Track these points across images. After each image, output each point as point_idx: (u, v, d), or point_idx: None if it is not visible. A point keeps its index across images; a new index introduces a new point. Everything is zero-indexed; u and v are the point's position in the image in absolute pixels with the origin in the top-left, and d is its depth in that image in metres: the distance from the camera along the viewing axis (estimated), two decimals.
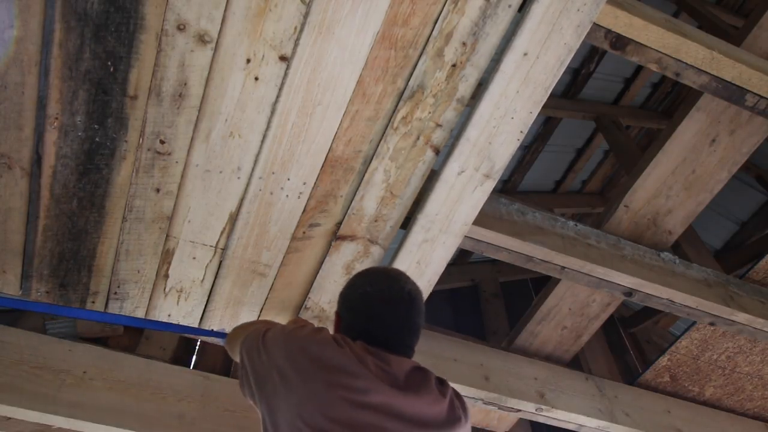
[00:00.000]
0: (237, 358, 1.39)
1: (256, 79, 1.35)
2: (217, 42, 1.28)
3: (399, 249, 1.72)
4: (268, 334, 1.30)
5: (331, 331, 1.40)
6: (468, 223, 1.68)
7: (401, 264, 1.74)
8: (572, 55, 1.42)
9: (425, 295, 1.80)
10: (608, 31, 1.57)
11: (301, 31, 1.29)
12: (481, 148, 1.53)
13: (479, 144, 1.52)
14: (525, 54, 1.39)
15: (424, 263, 1.76)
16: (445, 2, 1.31)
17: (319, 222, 1.65)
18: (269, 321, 1.64)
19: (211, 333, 1.86)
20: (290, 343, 1.23)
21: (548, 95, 1.47)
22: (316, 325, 1.41)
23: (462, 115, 1.52)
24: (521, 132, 1.52)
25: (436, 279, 1.82)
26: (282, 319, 1.89)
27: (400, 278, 1.34)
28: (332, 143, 1.49)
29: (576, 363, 2.87)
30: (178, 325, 1.81)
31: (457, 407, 1.24)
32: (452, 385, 1.63)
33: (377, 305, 1.29)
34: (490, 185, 1.61)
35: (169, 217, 1.55)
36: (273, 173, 1.52)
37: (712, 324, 2.26)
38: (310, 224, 1.65)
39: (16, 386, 1.71)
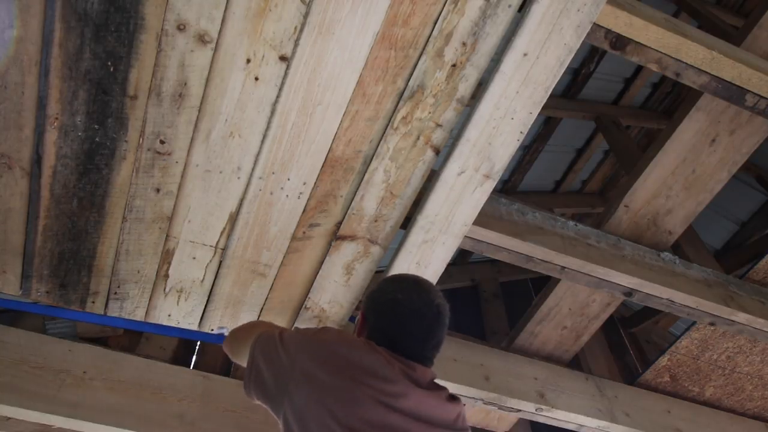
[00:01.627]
0: (243, 361, 1.38)
1: (256, 79, 1.35)
2: (217, 42, 1.28)
3: (399, 249, 1.72)
4: (285, 334, 1.29)
5: (354, 329, 1.40)
6: (468, 224, 1.68)
7: (401, 264, 1.74)
8: (572, 56, 1.42)
9: None
10: (608, 31, 1.56)
11: (301, 31, 1.29)
12: (481, 148, 1.53)
13: (479, 144, 1.52)
14: (525, 54, 1.39)
15: (423, 264, 1.76)
16: (445, 2, 1.31)
17: (319, 222, 1.65)
18: (271, 323, 1.63)
19: (211, 336, 1.86)
20: (318, 345, 1.22)
21: (548, 96, 1.47)
22: (316, 327, 1.40)
23: (462, 116, 1.52)
24: (521, 132, 1.52)
25: (436, 279, 1.82)
26: (282, 319, 1.89)
27: (431, 291, 1.34)
28: (332, 143, 1.49)
29: (576, 363, 2.87)
30: (178, 329, 1.81)
31: (466, 419, 1.28)
32: (452, 385, 1.63)
33: (405, 314, 1.29)
34: (490, 186, 1.61)
35: (169, 217, 1.55)
36: (273, 173, 1.52)
37: (712, 324, 2.26)
38: (310, 224, 1.65)
39: (16, 386, 1.71)
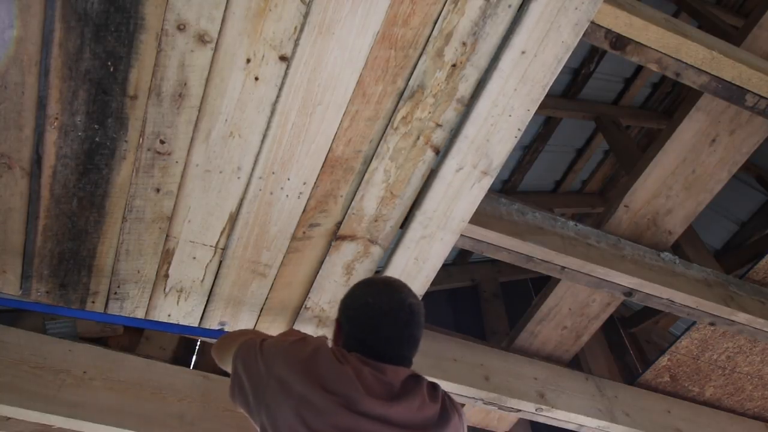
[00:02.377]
0: (228, 367, 1.40)
1: (256, 79, 1.35)
2: (217, 42, 1.28)
3: (397, 245, 1.72)
4: (265, 344, 1.30)
5: (331, 336, 1.41)
6: (465, 220, 1.68)
7: (399, 260, 1.75)
8: (570, 54, 1.42)
9: (422, 291, 1.81)
10: (608, 31, 1.57)
11: (301, 31, 1.29)
12: (479, 145, 1.53)
13: (477, 141, 1.53)
14: (523, 52, 1.40)
15: (421, 259, 1.76)
16: (445, 2, 1.31)
17: (319, 222, 1.65)
18: (257, 331, 1.64)
19: (211, 332, 1.86)
20: (293, 355, 1.24)
21: (546, 93, 1.47)
22: (316, 327, 1.41)
23: (461, 115, 1.52)
24: (519, 129, 1.52)
25: (433, 275, 1.82)
26: (282, 319, 1.89)
27: (402, 291, 1.34)
28: (332, 143, 1.49)
29: (576, 363, 2.87)
30: (178, 325, 1.81)
31: (449, 408, 1.27)
32: (452, 385, 1.63)
33: (377, 317, 1.29)
34: (487, 182, 1.61)
35: (169, 217, 1.55)
36: (273, 173, 1.52)
37: (712, 324, 2.26)
38: (310, 224, 1.65)
39: (16, 386, 1.71)
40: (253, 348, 1.30)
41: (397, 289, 1.34)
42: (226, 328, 1.85)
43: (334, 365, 1.20)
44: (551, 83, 1.46)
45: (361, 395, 1.16)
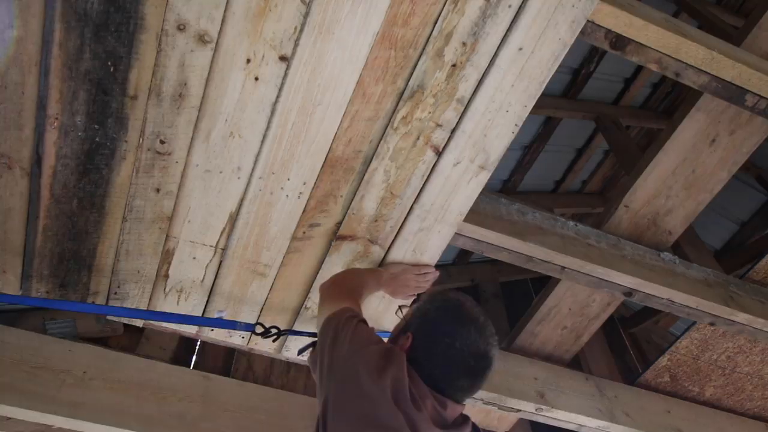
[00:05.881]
0: (316, 326, 1.37)
1: (256, 79, 1.35)
2: (217, 42, 1.28)
3: (396, 237, 1.73)
4: (358, 330, 1.28)
5: (396, 339, 1.38)
6: (463, 213, 1.69)
7: (397, 251, 1.75)
8: (567, 51, 1.42)
9: None
10: (608, 31, 1.57)
11: (301, 31, 1.29)
12: (477, 140, 1.54)
13: (475, 136, 1.53)
14: (520, 49, 1.40)
15: (419, 251, 1.77)
16: (445, 2, 1.31)
17: (319, 222, 1.65)
18: (356, 295, 1.53)
19: (211, 321, 1.84)
20: (374, 359, 1.21)
21: (543, 90, 1.48)
22: (316, 327, 1.40)
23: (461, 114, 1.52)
24: (516, 125, 1.53)
25: (433, 264, 1.82)
26: (282, 319, 1.89)
27: (491, 338, 1.28)
28: (332, 143, 1.49)
29: (576, 363, 2.87)
30: (179, 315, 1.79)
31: None
32: None
33: (459, 365, 1.24)
34: (485, 177, 1.62)
35: (169, 217, 1.55)
36: (273, 173, 1.52)
37: (712, 324, 2.26)
38: (310, 224, 1.65)
39: (16, 386, 1.71)
40: (350, 324, 1.27)
41: (487, 336, 1.27)
42: (225, 317, 1.83)
43: (406, 384, 1.18)
44: (548, 80, 1.46)
45: (426, 422, 1.15)
